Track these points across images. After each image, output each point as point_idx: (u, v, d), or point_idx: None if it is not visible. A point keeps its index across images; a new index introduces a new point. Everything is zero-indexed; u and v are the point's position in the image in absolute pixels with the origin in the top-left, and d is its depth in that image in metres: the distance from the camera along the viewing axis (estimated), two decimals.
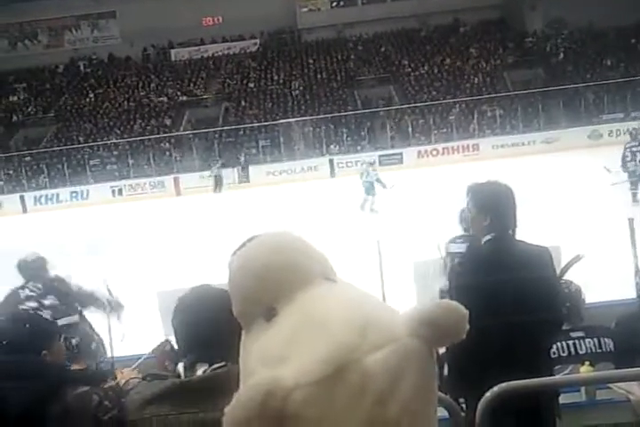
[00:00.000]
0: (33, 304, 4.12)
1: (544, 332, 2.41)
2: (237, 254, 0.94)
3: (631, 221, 4.88)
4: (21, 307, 4.05)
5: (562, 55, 28.17)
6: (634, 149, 10.47)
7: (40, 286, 4.26)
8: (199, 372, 1.44)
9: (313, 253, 0.92)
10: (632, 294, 4.09)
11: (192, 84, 30.41)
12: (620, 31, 27.77)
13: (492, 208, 2.38)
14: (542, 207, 10.67)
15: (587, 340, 3.40)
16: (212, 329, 1.41)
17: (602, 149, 19.86)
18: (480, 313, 2.18)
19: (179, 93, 29.75)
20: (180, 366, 1.50)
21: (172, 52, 32.37)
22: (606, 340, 3.42)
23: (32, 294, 4.21)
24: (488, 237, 2.39)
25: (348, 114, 26.43)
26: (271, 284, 0.87)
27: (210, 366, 1.44)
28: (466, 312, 0.81)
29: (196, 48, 32.26)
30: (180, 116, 28.28)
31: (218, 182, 21.60)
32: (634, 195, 10.63)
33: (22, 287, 4.26)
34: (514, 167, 17.62)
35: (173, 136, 26.39)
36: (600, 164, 13.50)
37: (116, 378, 2.39)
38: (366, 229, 11.04)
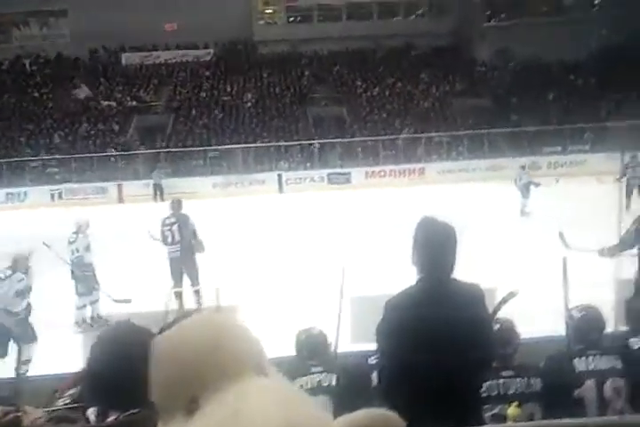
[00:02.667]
0: None
1: (474, 371, 2.40)
2: (163, 336, 0.86)
3: (565, 260, 5.06)
4: None
5: (507, 86, 29.20)
6: None
7: None
8: (111, 418, 1.35)
9: (247, 342, 0.85)
10: (560, 333, 4.18)
11: (142, 90, 29.90)
12: (563, 66, 29.06)
13: (429, 246, 2.39)
14: (483, 237, 10.94)
15: (516, 379, 3.46)
16: (130, 375, 1.23)
17: (540, 180, 20.65)
18: (411, 351, 2.23)
19: (128, 98, 29.17)
20: (91, 412, 1.42)
21: (124, 55, 31.78)
22: (535, 380, 3.50)
23: None
24: (424, 273, 2.40)
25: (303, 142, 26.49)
26: (196, 373, 0.79)
27: (122, 413, 1.34)
28: (403, 423, 0.78)
29: (149, 53, 31.80)
30: (127, 121, 27.71)
31: (158, 191, 21.16)
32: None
33: None
34: (458, 193, 18.09)
35: (120, 142, 25.82)
36: (543, 195, 13.98)
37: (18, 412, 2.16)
38: (301, 248, 11.05)
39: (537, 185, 14.39)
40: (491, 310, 3.97)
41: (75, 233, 7.90)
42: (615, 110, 25.14)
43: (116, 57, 31.89)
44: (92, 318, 7.91)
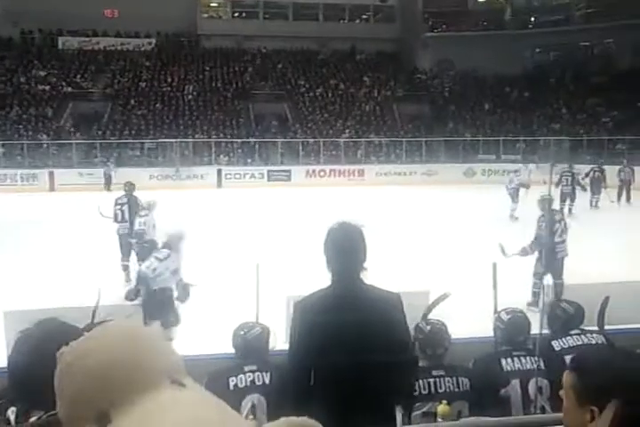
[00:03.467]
0: None
1: (384, 374, 2.38)
2: (70, 346, 0.80)
3: (495, 265, 5.28)
4: None
5: (446, 95, 30.02)
6: None
7: None
8: (33, 418, 1.31)
9: (162, 350, 0.80)
10: (489, 334, 4.34)
11: (79, 76, 28.89)
12: (499, 79, 30.14)
13: (338, 250, 2.42)
14: (416, 238, 11.21)
15: (446, 378, 3.57)
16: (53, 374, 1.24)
17: (475, 186, 21.40)
18: (321, 354, 2.27)
19: (63, 84, 28.12)
20: (11, 412, 1.38)
21: (60, 39, 30.61)
22: (464, 379, 3.63)
23: None
24: (336, 276, 2.42)
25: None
26: (106, 384, 0.75)
27: (45, 413, 1.28)
28: None
29: (87, 39, 30.76)
30: (62, 107, 26.72)
31: (108, 181, 20.70)
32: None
33: None
34: (395, 195, 18.46)
35: (53, 128, 24.87)
36: (473, 199, 14.43)
37: None
38: (244, 247, 11.00)
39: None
40: (423, 311, 4.12)
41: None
42: (545, 124, 26.30)
43: (52, 40, 30.66)
44: None
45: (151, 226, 8.38)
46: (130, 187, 9.19)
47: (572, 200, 15.01)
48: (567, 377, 1.19)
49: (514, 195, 14.49)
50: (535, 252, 7.25)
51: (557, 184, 14.44)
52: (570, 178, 14.99)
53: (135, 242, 8.25)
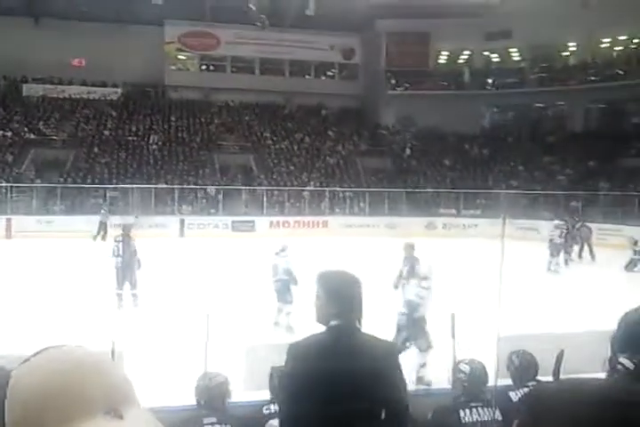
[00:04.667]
0: None
1: (373, 423, 2.33)
2: (14, 372, 0.79)
3: (453, 316, 5.32)
4: None
5: (408, 150, 30.82)
6: None
7: None
8: None
9: (99, 379, 0.77)
10: (448, 384, 4.32)
11: (42, 123, 28.76)
12: (459, 136, 31.18)
13: (341, 296, 2.42)
14: (379, 288, 11.20)
15: None
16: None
17: (436, 239, 21.69)
18: (312, 398, 2.23)
19: (25, 130, 27.92)
20: None
21: (25, 86, 30.63)
22: None
23: None
24: (333, 322, 2.40)
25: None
26: (37, 414, 0.73)
27: None
28: None
29: (52, 86, 30.84)
30: (23, 154, 26.41)
31: (102, 229, 20.27)
32: None
33: None
34: (359, 246, 18.55)
35: (13, 175, 24.47)
36: (435, 253, 14.56)
37: None
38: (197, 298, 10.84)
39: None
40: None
41: None
42: (503, 180, 27.13)
43: (17, 87, 30.65)
44: None
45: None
46: (127, 229, 11.02)
47: (568, 252, 16.05)
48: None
49: (553, 249, 15.37)
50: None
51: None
52: (564, 231, 15.95)
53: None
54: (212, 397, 3.66)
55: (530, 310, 9.05)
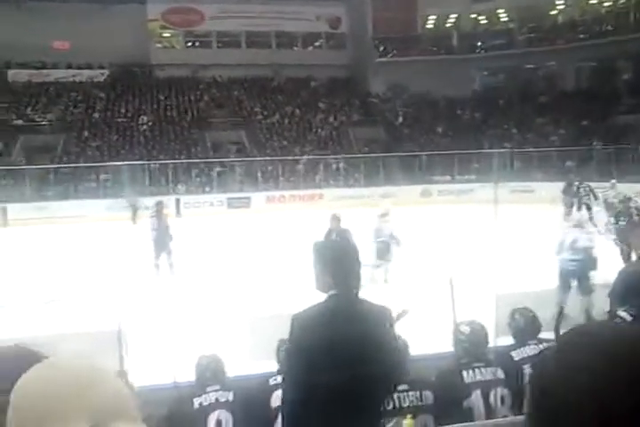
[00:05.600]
0: None
1: (379, 387, 2.44)
2: (22, 375, 0.83)
3: (451, 280, 5.36)
4: None
5: (400, 118, 30.61)
6: None
7: None
8: None
9: (94, 393, 0.78)
10: (450, 348, 4.39)
11: (29, 109, 28.43)
12: (450, 101, 30.95)
13: (336, 265, 2.44)
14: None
15: (410, 393, 3.61)
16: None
17: (432, 206, 21.73)
18: (316, 367, 2.28)
19: (13, 117, 27.62)
20: None
21: (10, 72, 30.16)
22: (427, 392, 3.67)
23: None
24: (332, 292, 2.43)
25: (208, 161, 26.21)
26: (20, 420, 0.77)
27: None
28: None
29: (37, 71, 30.38)
30: (13, 140, 26.17)
31: (135, 212, 20.07)
32: None
33: None
34: (354, 217, 18.55)
35: (4, 162, 24.27)
36: (432, 220, 14.66)
37: None
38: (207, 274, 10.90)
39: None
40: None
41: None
42: (497, 144, 27.01)
43: (1, 73, 30.18)
44: None
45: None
46: (160, 207, 12.00)
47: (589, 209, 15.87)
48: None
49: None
50: None
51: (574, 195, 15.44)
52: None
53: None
54: (213, 371, 3.77)
55: (527, 269, 9.12)
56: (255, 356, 4.68)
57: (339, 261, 2.46)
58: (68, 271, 11.52)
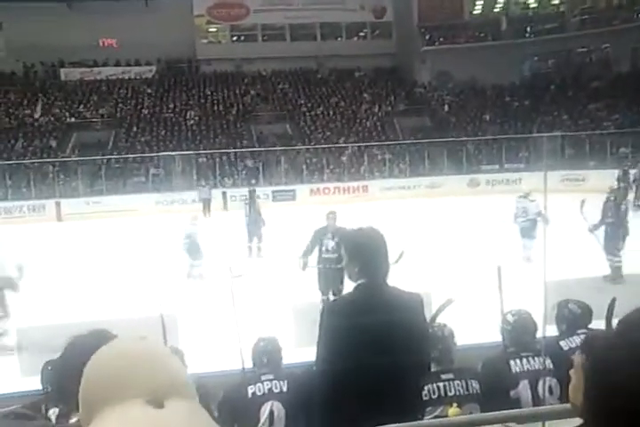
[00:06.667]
0: None
1: (411, 374, 2.44)
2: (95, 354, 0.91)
3: (499, 268, 5.25)
4: None
5: (446, 107, 30.12)
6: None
7: None
8: (73, 420, 1.36)
9: (153, 370, 0.84)
10: (498, 338, 4.32)
11: (82, 106, 29.27)
12: (498, 89, 30.25)
13: (362, 255, 2.44)
14: (421, 250, 11.17)
15: (455, 382, 3.56)
16: None
17: (479, 196, 21.33)
18: (346, 355, 2.28)
19: (67, 115, 28.49)
20: (52, 412, 1.42)
21: (63, 71, 31.08)
22: (473, 382, 3.61)
23: None
24: (360, 281, 2.44)
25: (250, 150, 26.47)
26: (90, 396, 0.84)
27: None
28: None
29: (89, 69, 31.23)
30: (66, 138, 27.02)
31: (206, 205, 20.78)
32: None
33: None
34: (400, 209, 18.42)
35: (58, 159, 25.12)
36: (478, 210, 14.41)
37: None
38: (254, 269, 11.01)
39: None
40: (429, 316, 4.11)
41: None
42: (547, 131, 26.26)
43: (54, 72, 31.15)
44: None
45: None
46: (252, 193, 13.38)
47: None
48: (577, 357, 1.21)
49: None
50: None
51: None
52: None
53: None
54: (269, 355, 3.82)
55: (576, 258, 8.87)
56: (300, 343, 4.71)
57: (364, 250, 2.46)
58: (124, 264, 11.79)
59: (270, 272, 10.36)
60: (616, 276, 8.26)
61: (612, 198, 9.47)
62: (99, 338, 1.48)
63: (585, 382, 0.92)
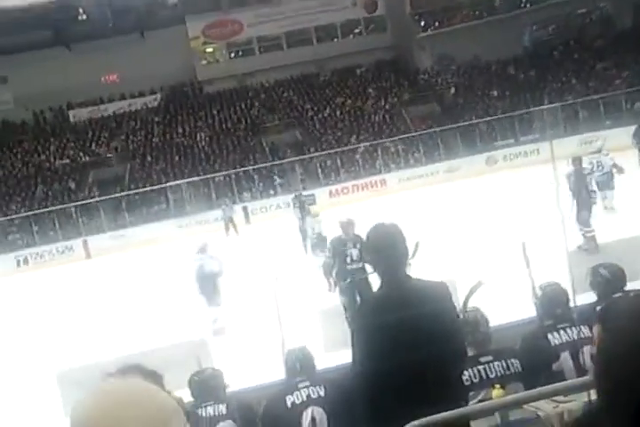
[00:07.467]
0: None
1: (447, 363, 2.44)
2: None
3: (524, 244, 5.12)
4: None
5: (453, 89, 29.79)
6: None
7: None
8: None
9: (142, 413, 0.84)
10: (532, 313, 4.22)
11: (94, 144, 29.70)
12: (502, 63, 29.82)
13: (379, 250, 2.46)
14: (446, 237, 11.01)
15: (495, 363, 3.50)
16: None
17: (499, 173, 21.01)
18: (381, 353, 2.27)
19: (81, 154, 28.94)
20: None
21: (71, 113, 31.58)
22: (513, 361, 3.54)
23: None
24: (385, 277, 2.47)
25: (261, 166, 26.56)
26: None
27: None
28: None
29: (96, 107, 31.69)
30: (84, 177, 27.43)
31: (230, 223, 20.53)
32: None
33: None
34: (420, 198, 18.23)
35: (79, 199, 25.50)
36: (499, 187, 14.16)
37: None
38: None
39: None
40: (458, 301, 4.04)
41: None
42: (558, 98, 25.78)
43: (63, 115, 31.71)
44: None
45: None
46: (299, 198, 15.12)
47: None
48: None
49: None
50: None
51: None
52: None
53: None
54: (302, 362, 3.82)
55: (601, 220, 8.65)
56: (329, 348, 4.63)
57: (379, 246, 2.47)
58: (156, 293, 11.81)
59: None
60: None
61: None
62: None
63: (597, 350, 0.90)
